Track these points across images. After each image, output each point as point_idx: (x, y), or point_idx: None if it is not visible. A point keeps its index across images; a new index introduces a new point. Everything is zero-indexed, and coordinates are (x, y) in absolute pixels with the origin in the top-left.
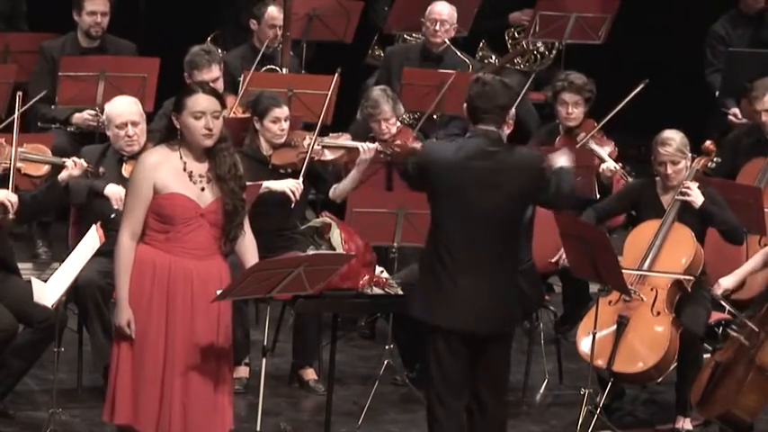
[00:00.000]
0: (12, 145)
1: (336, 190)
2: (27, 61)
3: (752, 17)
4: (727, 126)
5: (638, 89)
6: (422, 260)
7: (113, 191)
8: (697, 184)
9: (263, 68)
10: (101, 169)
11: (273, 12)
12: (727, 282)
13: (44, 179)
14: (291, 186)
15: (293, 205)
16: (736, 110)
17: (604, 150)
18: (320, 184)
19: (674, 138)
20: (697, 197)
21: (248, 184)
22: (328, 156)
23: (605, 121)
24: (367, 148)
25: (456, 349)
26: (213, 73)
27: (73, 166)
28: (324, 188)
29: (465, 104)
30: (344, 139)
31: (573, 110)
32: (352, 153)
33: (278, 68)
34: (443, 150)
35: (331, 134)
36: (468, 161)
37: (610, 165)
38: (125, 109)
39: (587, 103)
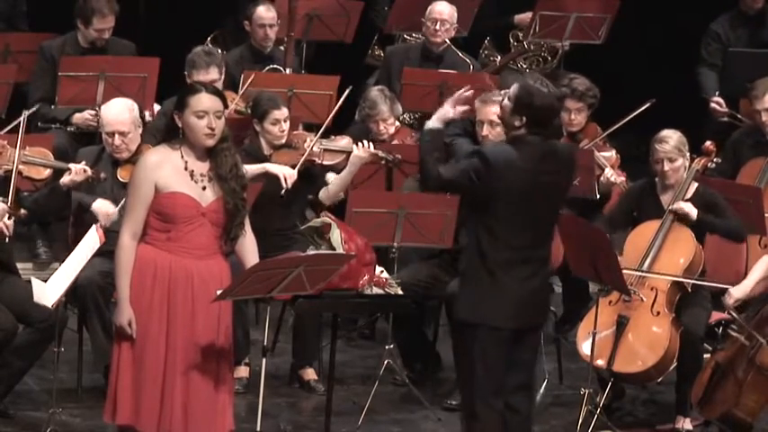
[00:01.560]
0: (14, 147)
1: (327, 191)
2: (27, 61)
3: (751, 17)
4: (724, 126)
5: (645, 107)
6: (470, 264)
7: (99, 206)
8: (694, 188)
9: (266, 68)
10: (102, 174)
11: (261, 11)
12: (737, 291)
13: (46, 182)
14: (286, 173)
15: (283, 192)
16: (719, 99)
17: (605, 157)
18: (314, 186)
19: (671, 136)
20: (691, 211)
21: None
22: (328, 161)
23: (606, 133)
24: (361, 148)
25: (505, 347)
26: (210, 75)
27: (75, 173)
28: (316, 189)
29: (523, 116)
30: (346, 143)
31: (575, 116)
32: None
33: (281, 68)
34: (507, 153)
35: (333, 136)
36: (536, 165)
37: (608, 174)
38: (114, 117)
39: (590, 109)
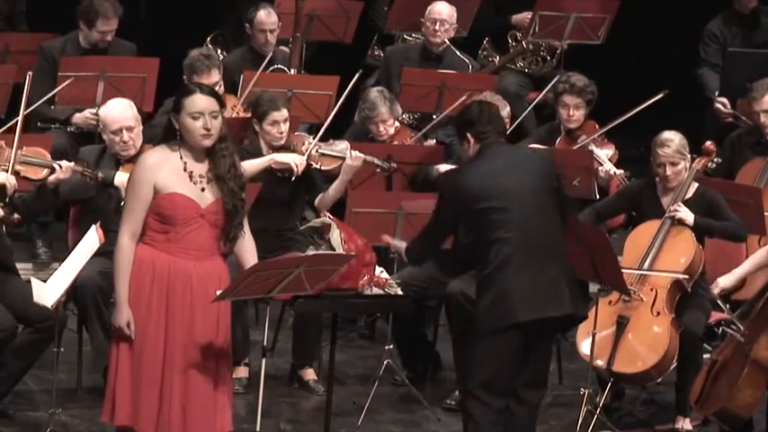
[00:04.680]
0: (11, 147)
1: (323, 198)
2: (27, 61)
3: (745, 16)
4: (723, 126)
5: (656, 98)
6: (479, 282)
7: (123, 180)
8: (696, 186)
9: (270, 69)
10: (99, 174)
11: (262, 16)
12: (725, 281)
13: (44, 181)
14: (297, 160)
15: (293, 177)
16: (724, 99)
17: (604, 153)
18: (312, 190)
19: (672, 139)
20: (687, 216)
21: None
22: (326, 166)
23: (608, 127)
24: (353, 156)
25: (516, 345)
26: (212, 78)
27: (60, 170)
28: (314, 194)
29: (468, 132)
30: (343, 148)
31: (574, 112)
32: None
33: (285, 69)
34: (455, 174)
35: (331, 140)
36: (489, 165)
37: (608, 167)
38: (119, 114)
39: (588, 105)
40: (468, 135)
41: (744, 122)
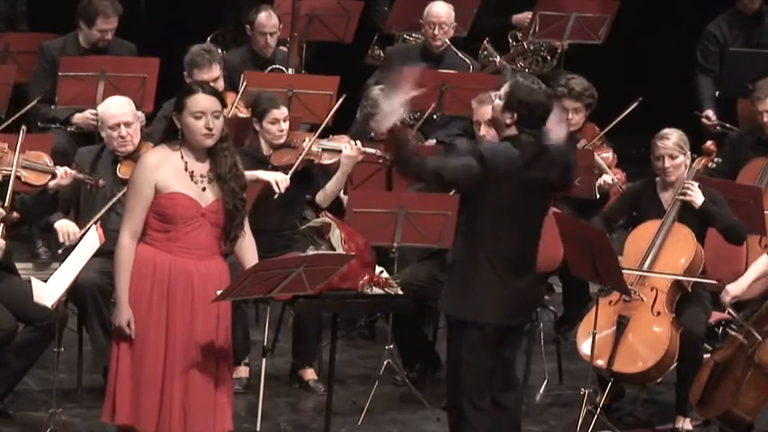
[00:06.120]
0: (13, 151)
1: (324, 193)
2: (27, 61)
3: (748, 17)
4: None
5: (632, 107)
6: (458, 261)
7: (61, 225)
8: (697, 184)
9: (268, 69)
10: (100, 181)
11: (262, 19)
12: (734, 289)
13: (45, 186)
14: (278, 178)
15: (275, 196)
16: (709, 112)
17: (602, 158)
18: (313, 187)
19: (672, 133)
20: (697, 196)
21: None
22: (327, 161)
23: (601, 135)
24: (350, 147)
25: (492, 345)
26: (213, 72)
27: (62, 176)
28: (314, 191)
29: (514, 112)
30: (344, 140)
31: (573, 116)
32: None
33: (283, 69)
34: (506, 154)
35: (332, 136)
36: (529, 167)
37: (607, 178)
38: (117, 110)
39: (588, 109)
40: (514, 114)
41: (729, 129)
